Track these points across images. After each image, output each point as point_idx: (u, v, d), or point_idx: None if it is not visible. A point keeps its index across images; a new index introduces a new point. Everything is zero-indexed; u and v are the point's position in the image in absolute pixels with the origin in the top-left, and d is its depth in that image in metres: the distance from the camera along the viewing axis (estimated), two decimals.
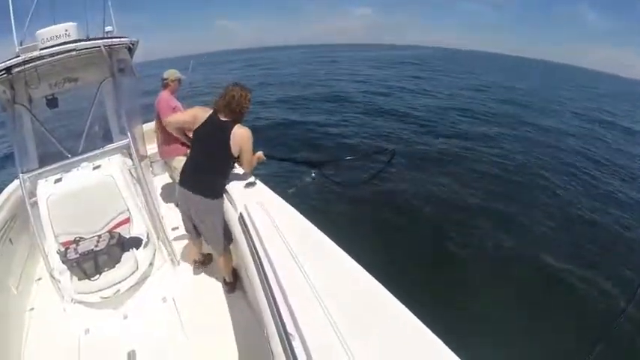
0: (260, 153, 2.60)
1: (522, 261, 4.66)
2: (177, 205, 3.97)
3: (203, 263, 2.92)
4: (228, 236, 2.42)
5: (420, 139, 9.57)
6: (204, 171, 2.33)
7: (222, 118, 2.29)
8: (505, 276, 4.23)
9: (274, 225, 1.78)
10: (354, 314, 1.16)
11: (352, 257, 1.48)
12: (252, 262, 1.66)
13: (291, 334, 1.12)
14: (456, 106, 14.56)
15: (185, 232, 3.00)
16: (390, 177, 6.49)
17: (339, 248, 1.55)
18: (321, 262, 1.46)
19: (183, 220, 2.58)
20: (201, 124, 2.30)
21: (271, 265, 1.48)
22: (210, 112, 2.31)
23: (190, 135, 2.47)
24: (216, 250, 2.51)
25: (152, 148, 4.71)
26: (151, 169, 4.50)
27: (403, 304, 1.19)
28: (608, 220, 6.04)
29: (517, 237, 5.18)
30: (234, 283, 2.66)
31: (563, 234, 5.46)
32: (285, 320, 1.18)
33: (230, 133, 2.24)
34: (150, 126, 4.68)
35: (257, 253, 1.63)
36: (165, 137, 3.62)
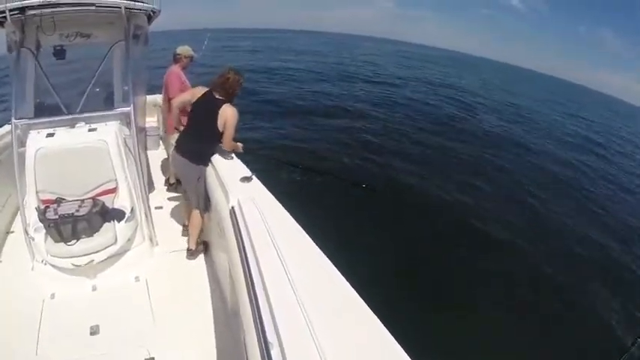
0: (240, 144, 2.83)
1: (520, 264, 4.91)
2: (166, 183, 3.93)
3: (195, 252, 2.92)
4: (207, 202, 2.72)
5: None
6: (193, 139, 2.70)
7: (217, 96, 2.62)
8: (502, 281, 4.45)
9: (265, 224, 1.75)
10: (335, 325, 1.15)
11: (336, 261, 1.49)
12: (239, 261, 1.62)
13: (270, 343, 1.10)
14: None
15: (168, 214, 3.46)
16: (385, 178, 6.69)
17: (324, 256, 1.54)
18: (307, 268, 1.44)
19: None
20: (198, 98, 2.67)
21: (258, 266, 1.45)
22: (207, 90, 2.66)
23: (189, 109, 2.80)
24: (194, 206, 2.82)
25: (150, 121, 4.63)
26: (146, 143, 4.39)
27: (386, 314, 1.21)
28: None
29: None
30: (195, 251, 2.90)
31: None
32: (266, 327, 1.16)
33: (219, 109, 2.57)
34: (150, 99, 4.60)
35: (244, 253, 1.60)
36: (171, 112, 3.56)
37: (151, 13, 3.15)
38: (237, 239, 1.76)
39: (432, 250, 4.87)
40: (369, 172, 7.24)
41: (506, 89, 31.24)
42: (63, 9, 2.46)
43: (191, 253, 2.91)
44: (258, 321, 1.20)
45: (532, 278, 4.83)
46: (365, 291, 1.34)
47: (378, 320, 1.18)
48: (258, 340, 1.14)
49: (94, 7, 2.54)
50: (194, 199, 2.81)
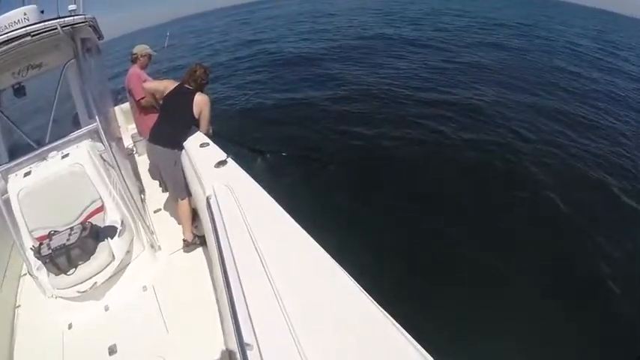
0: (211, 127, 2.98)
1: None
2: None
3: (191, 243, 2.89)
4: (187, 187, 2.69)
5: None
6: (168, 127, 2.79)
7: (188, 87, 2.81)
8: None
9: (240, 211, 1.61)
10: (317, 321, 1.03)
11: (330, 250, 1.30)
12: (216, 255, 1.50)
13: (248, 345, 1.01)
14: None
15: (167, 214, 3.44)
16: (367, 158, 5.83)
17: (311, 239, 1.37)
18: (288, 258, 1.30)
19: (156, 175, 3.16)
20: (170, 90, 2.83)
21: (234, 261, 1.33)
22: (178, 83, 2.86)
23: (160, 102, 2.97)
24: (176, 196, 2.90)
25: (134, 127, 4.54)
26: (134, 149, 4.37)
27: (382, 306, 1.05)
28: None
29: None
30: (191, 242, 2.90)
31: None
32: (242, 328, 1.06)
33: (193, 98, 2.74)
34: (129, 106, 4.50)
35: (219, 246, 1.47)
36: (143, 114, 3.47)
37: (93, 23, 2.98)
38: (214, 232, 1.63)
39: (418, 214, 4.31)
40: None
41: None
42: (1, 49, 2.35)
43: (186, 244, 2.89)
44: (234, 323, 1.10)
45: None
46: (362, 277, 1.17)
47: (378, 310, 1.03)
48: (236, 342, 1.06)
49: (30, 38, 2.40)
50: (172, 187, 2.87)
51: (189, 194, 2.74)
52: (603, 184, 5.26)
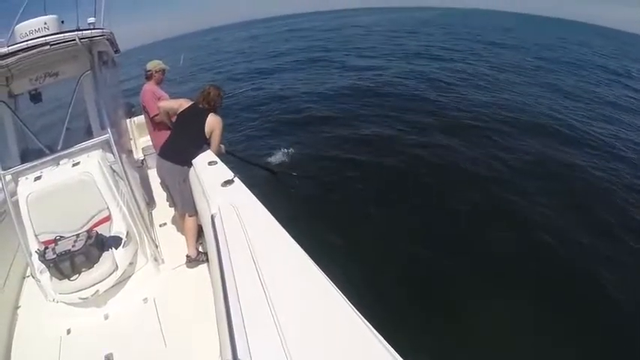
0: (223, 146, 3.09)
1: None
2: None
3: (195, 260, 2.92)
4: (195, 204, 2.72)
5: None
6: (180, 144, 2.84)
7: (201, 106, 2.89)
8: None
9: (243, 231, 1.66)
10: (312, 344, 1.07)
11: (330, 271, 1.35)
12: (218, 273, 1.56)
13: None
14: None
15: (173, 229, 3.45)
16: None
17: (310, 261, 1.41)
18: (287, 281, 1.34)
19: (164, 189, 3.19)
20: (185, 108, 2.92)
21: (234, 280, 1.37)
22: (192, 102, 2.94)
23: (174, 119, 3.06)
24: (183, 211, 2.92)
25: (146, 140, 4.65)
26: (144, 162, 4.45)
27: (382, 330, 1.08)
28: None
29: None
30: (195, 259, 2.93)
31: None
32: (238, 348, 1.09)
33: (206, 118, 2.83)
34: (143, 119, 4.61)
35: (221, 264, 1.53)
36: (156, 130, 3.56)
37: (110, 37, 3.12)
38: (216, 249, 1.69)
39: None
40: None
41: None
42: (19, 56, 2.46)
43: (189, 260, 2.92)
44: (230, 342, 1.14)
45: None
46: (358, 299, 1.23)
47: (371, 333, 1.07)
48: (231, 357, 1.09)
49: (48, 47, 2.52)
50: (180, 203, 2.89)
51: (196, 211, 2.73)
52: None
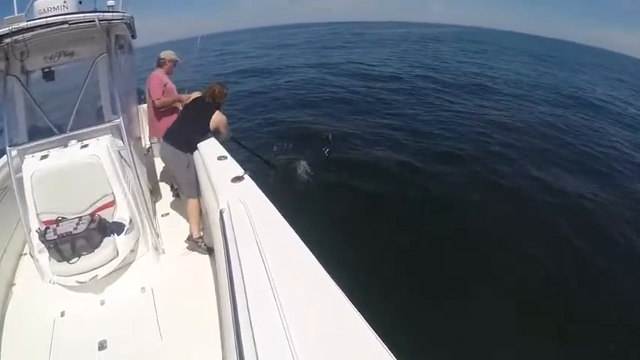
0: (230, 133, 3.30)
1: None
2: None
3: (195, 242, 2.98)
4: (199, 188, 2.82)
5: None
6: (184, 132, 2.95)
7: (207, 101, 3.05)
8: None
9: (252, 228, 1.64)
10: (319, 345, 1.05)
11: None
12: (225, 269, 1.54)
13: None
14: None
15: (175, 219, 3.46)
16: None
17: (316, 262, 1.40)
18: (294, 280, 1.33)
19: (166, 176, 3.50)
20: (192, 100, 3.13)
21: (242, 276, 1.35)
22: (199, 96, 3.15)
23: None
24: (187, 195, 3.02)
25: None
26: (151, 150, 4.43)
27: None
28: None
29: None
30: (197, 241, 2.98)
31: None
32: (244, 346, 1.07)
33: (212, 112, 2.98)
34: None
35: (229, 260, 1.51)
36: (155, 116, 3.57)
37: (128, 21, 3.10)
38: (224, 245, 1.68)
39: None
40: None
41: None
42: (37, 32, 2.44)
43: (189, 239, 3.00)
44: (236, 340, 1.12)
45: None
46: (361, 298, 1.22)
47: (375, 338, 1.05)
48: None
49: (67, 25, 2.50)
50: (185, 187, 2.99)
51: (198, 194, 2.87)
52: None
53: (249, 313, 1.17)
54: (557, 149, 8.22)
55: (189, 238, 3.01)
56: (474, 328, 3.16)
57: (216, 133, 3.05)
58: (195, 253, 2.95)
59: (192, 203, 2.98)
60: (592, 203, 5.87)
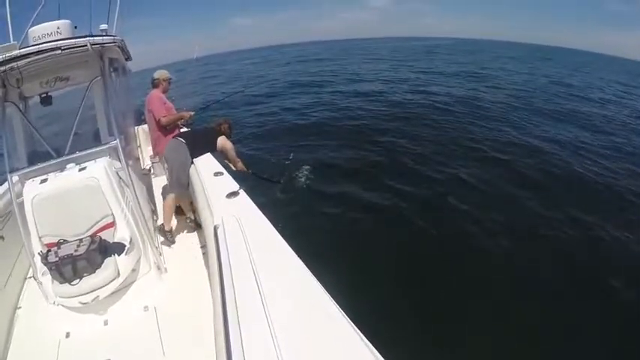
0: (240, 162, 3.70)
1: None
2: None
3: (167, 232, 3.35)
4: (183, 186, 3.19)
5: None
6: (195, 139, 3.34)
7: (216, 129, 3.65)
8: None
9: (247, 247, 1.67)
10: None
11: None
12: (218, 285, 1.57)
13: None
14: None
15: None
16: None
17: (312, 277, 1.43)
18: (289, 297, 1.35)
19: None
20: (200, 127, 3.96)
21: (234, 293, 1.39)
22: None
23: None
24: (171, 187, 3.31)
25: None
26: (151, 170, 4.51)
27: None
28: None
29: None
30: (166, 231, 3.34)
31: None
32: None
33: (219, 136, 3.55)
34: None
35: (222, 277, 1.54)
36: (160, 135, 3.63)
37: (121, 44, 3.18)
38: (217, 260, 1.71)
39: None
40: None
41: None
42: (30, 59, 2.51)
43: (160, 229, 3.38)
44: (227, 354, 1.14)
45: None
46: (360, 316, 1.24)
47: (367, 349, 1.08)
48: None
49: (60, 51, 2.56)
50: (174, 181, 3.22)
51: (180, 192, 3.24)
52: None
53: (240, 332, 1.18)
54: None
55: (159, 228, 3.39)
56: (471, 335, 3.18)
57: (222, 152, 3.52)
58: (199, 270, 2.96)
59: (170, 198, 3.32)
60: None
